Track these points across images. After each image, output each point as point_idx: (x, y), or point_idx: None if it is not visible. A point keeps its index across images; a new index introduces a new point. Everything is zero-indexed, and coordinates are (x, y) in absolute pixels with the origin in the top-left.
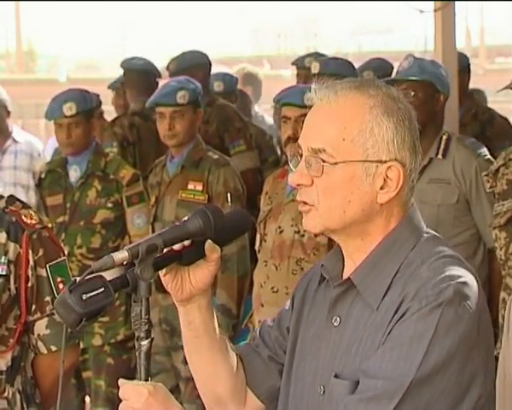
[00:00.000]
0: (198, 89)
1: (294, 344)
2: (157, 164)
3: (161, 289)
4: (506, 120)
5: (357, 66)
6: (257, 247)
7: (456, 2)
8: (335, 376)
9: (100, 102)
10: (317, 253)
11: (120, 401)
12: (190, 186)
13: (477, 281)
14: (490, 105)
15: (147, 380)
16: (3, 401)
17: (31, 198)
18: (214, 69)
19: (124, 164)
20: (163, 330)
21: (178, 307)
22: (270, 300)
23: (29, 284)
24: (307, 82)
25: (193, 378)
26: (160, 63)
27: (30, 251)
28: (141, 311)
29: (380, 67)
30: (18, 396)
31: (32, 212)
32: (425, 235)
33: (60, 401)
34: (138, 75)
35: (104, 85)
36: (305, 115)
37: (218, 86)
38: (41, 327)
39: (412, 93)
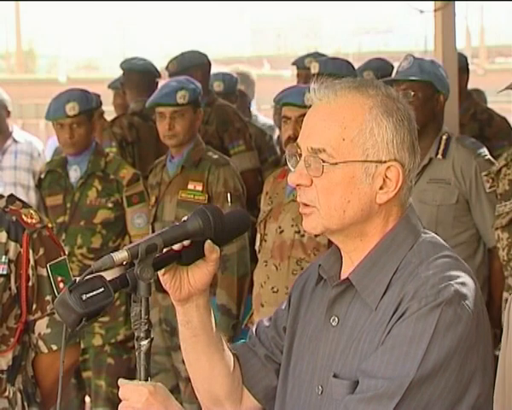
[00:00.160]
0: (198, 89)
1: (291, 344)
2: (157, 164)
3: (161, 289)
4: (505, 119)
5: (357, 66)
6: (257, 247)
7: (456, 2)
8: (334, 376)
9: (100, 103)
10: (317, 253)
11: (120, 401)
12: (190, 186)
13: (475, 281)
14: (490, 105)
15: (147, 380)
16: (4, 401)
17: (31, 198)
18: (214, 69)
19: (124, 164)
20: (163, 330)
21: (176, 306)
22: (270, 300)
23: (30, 284)
24: (307, 82)
25: None
26: (160, 63)
27: (30, 250)
28: (140, 311)
29: (380, 67)
30: (19, 396)
31: (32, 211)
32: (423, 235)
33: (60, 401)
34: (138, 75)
35: (104, 85)
36: (305, 115)
37: (217, 86)
38: (42, 326)
39: (412, 93)
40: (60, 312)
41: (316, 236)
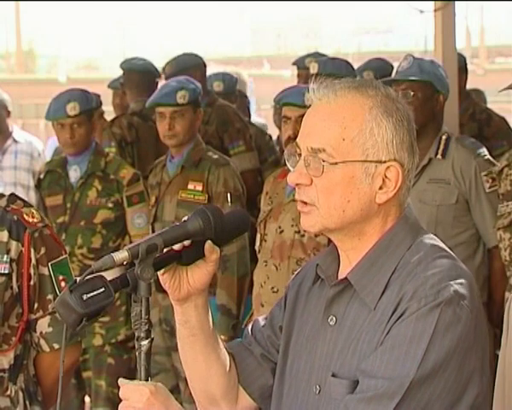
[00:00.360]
0: (198, 89)
1: (288, 343)
2: (157, 164)
3: (161, 289)
4: (503, 119)
5: (356, 66)
6: (257, 247)
7: (456, 2)
8: (333, 375)
9: (100, 103)
10: (317, 253)
11: (121, 400)
12: (190, 186)
13: (473, 281)
14: (490, 105)
15: (147, 380)
16: (6, 399)
17: (31, 198)
18: (214, 69)
19: (124, 164)
20: (163, 330)
21: (175, 305)
22: (270, 300)
23: (31, 283)
24: (308, 82)
25: None
26: (160, 63)
27: (32, 249)
28: (141, 311)
29: (379, 68)
30: (21, 394)
31: (33, 210)
32: (421, 235)
33: (60, 401)
34: (138, 75)
35: (104, 85)
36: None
37: (217, 86)
38: (43, 325)
39: (412, 93)
40: (60, 312)
41: (316, 236)
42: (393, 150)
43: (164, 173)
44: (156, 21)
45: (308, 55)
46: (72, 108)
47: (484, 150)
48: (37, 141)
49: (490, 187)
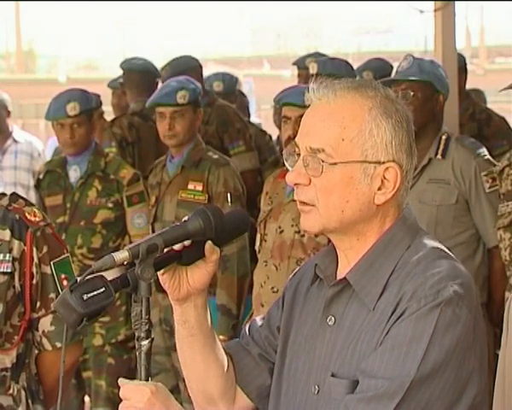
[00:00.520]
0: (198, 89)
1: (286, 343)
2: (157, 164)
3: (161, 289)
4: (503, 119)
5: (356, 66)
6: (257, 247)
7: (456, 2)
8: (332, 375)
9: (100, 103)
10: (316, 253)
11: (121, 401)
12: (190, 186)
13: (471, 281)
14: (490, 105)
15: (147, 380)
16: (9, 398)
17: (31, 198)
18: (214, 69)
19: (124, 164)
20: (163, 330)
21: (174, 305)
22: (270, 300)
23: (34, 281)
24: (308, 82)
25: None
26: (160, 63)
27: (34, 248)
28: (141, 311)
29: (379, 68)
30: (23, 393)
31: (35, 209)
32: (420, 235)
33: (60, 400)
34: (138, 75)
35: (104, 85)
36: None
37: (217, 86)
38: (46, 324)
39: (411, 93)
40: (61, 312)
41: (315, 236)
42: (392, 151)
43: (164, 173)
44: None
45: (308, 55)
46: (72, 108)
47: (484, 150)
48: (38, 141)
49: (490, 187)
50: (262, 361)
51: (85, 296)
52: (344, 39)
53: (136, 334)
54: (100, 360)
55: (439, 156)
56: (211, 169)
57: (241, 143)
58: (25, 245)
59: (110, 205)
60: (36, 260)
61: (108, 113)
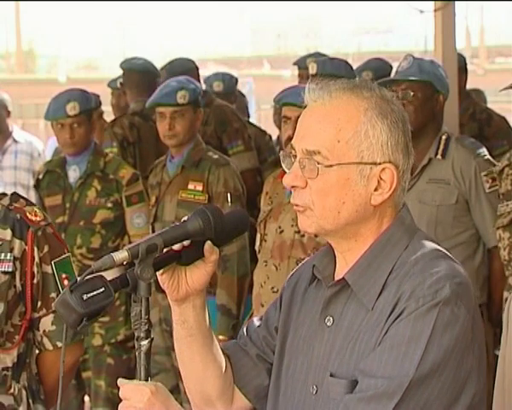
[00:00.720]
0: (198, 89)
1: (284, 344)
2: (157, 164)
3: (161, 289)
4: (504, 119)
5: (356, 66)
6: (257, 247)
7: (456, 2)
8: (331, 375)
9: (100, 103)
10: (314, 254)
11: (121, 401)
12: (190, 186)
13: (469, 281)
14: (490, 105)
15: (147, 380)
16: (10, 398)
17: (31, 198)
18: (214, 69)
19: (123, 164)
20: (163, 330)
21: (173, 306)
22: (270, 300)
23: (34, 281)
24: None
25: None
26: (160, 63)
27: (35, 248)
28: (141, 311)
29: (378, 68)
30: (24, 392)
31: (36, 209)
32: (417, 235)
33: (60, 400)
34: (138, 75)
35: (104, 85)
36: None
37: (217, 86)
38: (47, 323)
39: (411, 93)
40: (61, 312)
41: (315, 236)
42: (388, 152)
43: (164, 173)
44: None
45: (309, 55)
46: (72, 108)
47: (484, 150)
48: (38, 141)
49: (490, 187)
50: (260, 362)
51: (85, 296)
52: (344, 39)
53: (136, 334)
54: (99, 360)
55: (439, 156)
56: (211, 169)
57: (240, 142)
58: (26, 245)
59: (109, 205)
60: (37, 259)
61: (108, 113)
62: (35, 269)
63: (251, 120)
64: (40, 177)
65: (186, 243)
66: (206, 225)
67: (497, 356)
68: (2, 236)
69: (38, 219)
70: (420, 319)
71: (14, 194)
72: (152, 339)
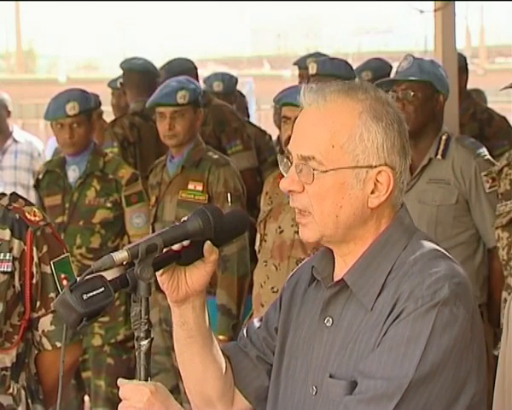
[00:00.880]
0: (198, 89)
1: (283, 345)
2: (157, 164)
3: (161, 289)
4: (504, 119)
5: (356, 66)
6: (257, 247)
7: (456, 2)
8: (330, 376)
9: (99, 103)
10: (313, 254)
11: (121, 401)
12: (190, 186)
13: (468, 281)
14: (490, 105)
15: (147, 380)
16: (9, 398)
17: (31, 198)
18: (214, 69)
19: (122, 164)
20: (163, 330)
21: (172, 307)
22: (270, 300)
23: (33, 281)
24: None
25: None
26: (160, 63)
27: (34, 248)
28: (140, 311)
29: (378, 68)
30: (23, 393)
31: (35, 209)
32: (416, 235)
33: (60, 400)
34: (138, 75)
35: (104, 85)
36: None
37: (217, 86)
38: (46, 323)
39: (412, 93)
40: (60, 311)
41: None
42: (384, 155)
43: (164, 173)
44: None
45: (309, 55)
46: (72, 108)
47: (484, 150)
48: (38, 141)
49: (490, 187)
50: (260, 363)
51: (85, 296)
52: (344, 39)
53: (136, 334)
54: (99, 360)
55: (439, 156)
56: (211, 169)
57: (239, 142)
58: (25, 245)
59: (109, 205)
60: (36, 259)
61: (108, 113)
62: (34, 269)
63: (251, 120)
64: (40, 177)
65: (186, 243)
66: (205, 226)
67: (497, 356)
68: (1, 236)
69: (37, 219)
70: (419, 320)
71: (13, 194)
72: (152, 339)
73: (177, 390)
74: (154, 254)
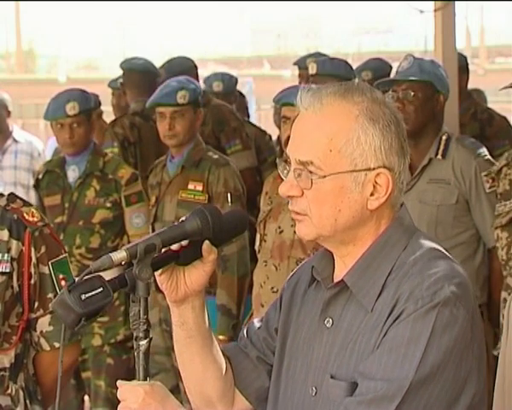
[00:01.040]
0: (198, 89)
1: (284, 345)
2: (157, 164)
3: (160, 289)
4: (505, 119)
5: (356, 66)
6: (257, 247)
7: (456, 2)
8: (331, 377)
9: (99, 103)
10: (316, 253)
11: (120, 401)
12: (190, 186)
13: (468, 281)
14: (490, 105)
15: (146, 380)
16: (7, 398)
17: (31, 198)
18: (214, 69)
19: (122, 164)
20: (163, 330)
21: (172, 307)
22: (270, 300)
23: (32, 282)
24: (308, 82)
25: None
26: (160, 63)
27: (32, 248)
28: (139, 311)
29: (378, 68)
30: (21, 393)
31: (33, 209)
32: (416, 235)
33: (59, 400)
34: (139, 75)
35: (104, 85)
36: None
37: (217, 86)
38: (44, 324)
39: (412, 93)
40: (59, 312)
41: None
42: (382, 157)
43: (164, 173)
44: (156, 21)
45: (309, 56)
46: (72, 108)
47: (484, 150)
48: (38, 141)
49: (490, 187)
50: (260, 364)
51: (83, 296)
52: (344, 39)
53: (135, 334)
54: (99, 361)
55: (439, 156)
56: (211, 169)
57: (238, 141)
58: (23, 245)
59: (108, 205)
60: (34, 260)
61: (108, 113)
62: (32, 270)
63: (251, 119)
64: (40, 177)
65: (184, 243)
66: (204, 225)
67: (497, 357)
68: (0, 236)
69: (35, 219)
70: (419, 321)
71: (11, 194)
72: (151, 339)
73: (177, 390)
74: (153, 254)
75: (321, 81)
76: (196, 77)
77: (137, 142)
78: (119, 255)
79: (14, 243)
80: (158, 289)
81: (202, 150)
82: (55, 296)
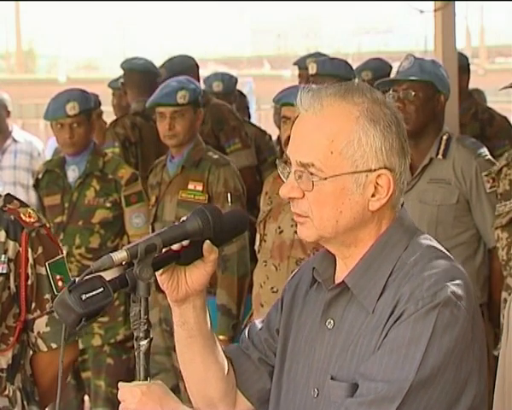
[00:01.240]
0: (198, 89)
1: (285, 346)
2: (157, 164)
3: (161, 289)
4: (505, 119)
5: (356, 66)
6: (257, 247)
7: (456, 2)
8: (332, 378)
9: (99, 103)
10: (316, 253)
11: (120, 401)
12: (190, 186)
13: (469, 281)
14: (490, 105)
15: (146, 380)
16: (4, 399)
17: (31, 198)
18: (214, 69)
19: (122, 164)
20: (163, 330)
21: (173, 307)
22: (270, 300)
23: (29, 282)
24: (309, 82)
25: None
26: (161, 63)
27: (29, 249)
28: (140, 311)
29: (378, 68)
30: (18, 394)
31: (30, 210)
32: (417, 235)
33: (59, 400)
34: (139, 75)
35: (104, 85)
36: None
37: (217, 86)
38: (41, 325)
39: (413, 93)
40: (59, 312)
41: None
42: (383, 157)
43: (164, 173)
44: (156, 21)
45: (309, 56)
46: (72, 108)
47: (484, 150)
48: (37, 141)
49: (490, 187)
50: (262, 365)
51: (84, 296)
52: (344, 39)
53: (135, 334)
54: (99, 361)
55: (439, 156)
56: (211, 169)
57: (237, 140)
58: (20, 246)
59: (108, 205)
60: (31, 260)
61: (108, 113)
62: (29, 270)
63: (251, 119)
64: (39, 176)
65: (185, 243)
66: (204, 225)
67: (497, 357)
68: None
69: (32, 220)
70: (419, 322)
71: (8, 195)
72: (151, 339)
73: (177, 390)
74: (154, 254)
75: (321, 81)
76: (197, 75)
77: (138, 142)
78: (120, 255)
79: (11, 243)
80: (158, 289)
81: (202, 150)
82: (52, 297)
